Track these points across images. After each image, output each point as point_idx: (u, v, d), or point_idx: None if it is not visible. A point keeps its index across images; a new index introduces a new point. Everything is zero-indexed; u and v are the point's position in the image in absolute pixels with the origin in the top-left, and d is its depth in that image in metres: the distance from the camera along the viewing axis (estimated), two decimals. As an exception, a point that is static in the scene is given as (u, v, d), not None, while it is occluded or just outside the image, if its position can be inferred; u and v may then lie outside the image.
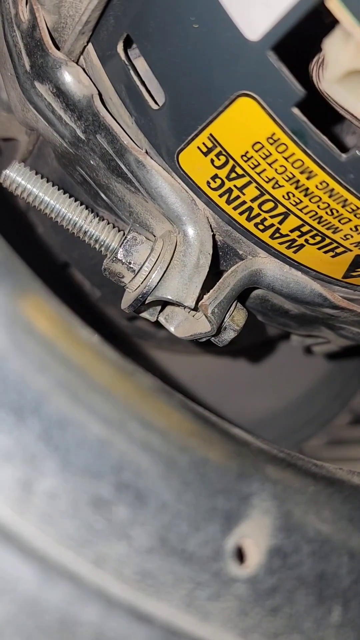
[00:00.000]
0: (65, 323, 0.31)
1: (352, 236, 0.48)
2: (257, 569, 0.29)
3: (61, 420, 0.25)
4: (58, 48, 0.50)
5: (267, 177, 0.45)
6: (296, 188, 0.45)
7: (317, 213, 0.46)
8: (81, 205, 0.53)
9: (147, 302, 0.51)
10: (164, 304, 0.56)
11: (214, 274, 0.55)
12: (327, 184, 0.44)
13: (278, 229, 0.49)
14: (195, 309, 0.52)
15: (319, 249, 0.50)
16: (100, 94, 0.50)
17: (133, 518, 0.26)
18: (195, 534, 0.27)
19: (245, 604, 0.28)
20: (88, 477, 0.25)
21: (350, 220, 0.46)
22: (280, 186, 0.45)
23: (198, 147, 0.46)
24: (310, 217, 0.47)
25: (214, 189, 0.49)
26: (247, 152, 0.44)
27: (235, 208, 0.49)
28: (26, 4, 0.52)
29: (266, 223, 0.49)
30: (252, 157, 0.44)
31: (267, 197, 0.47)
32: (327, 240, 0.49)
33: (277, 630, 0.29)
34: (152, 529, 0.26)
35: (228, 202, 0.49)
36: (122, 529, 0.25)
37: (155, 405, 0.31)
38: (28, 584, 0.23)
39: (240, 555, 0.29)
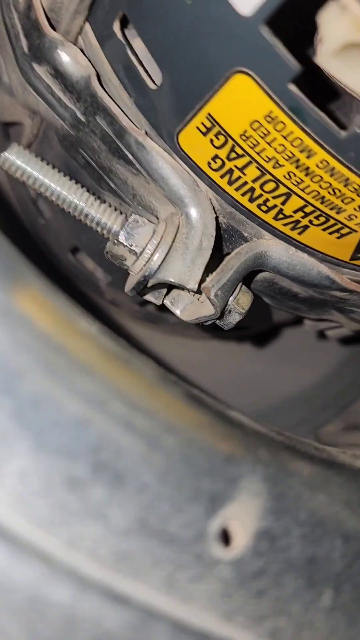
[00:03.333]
0: (53, 306, 0.31)
1: (356, 216, 0.47)
2: (243, 551, 0.29)
3: (36, 399, 0.25)
4: (54, 29, 0.49)
5: (267, 156, 0.44)
6: (297, 167, 0.44)
7: (319, 193, 0.45)
8: (82, 188, 0.53)
9: (149, 285, 0.50)
10: (170, 287, 0.55)
11: (219, 257, 0.54)
12: (328, 163, 0.43)
13: (281, 209, 0.48)
14: (199, 292, 0.51)
15: (324, 230, 0.49)
16: (98, 75, 0.49)
17: (110, 498, 0.25)
18: (177, 515, 0.27)
19: (229, 587, 0.28)
20: (63, 457, 0.25)
21: (353, 200, 0.45)
22: (280, 166, 0.44)
23: (197, 127, 0.46)
24: (312, 197, 0.46)
25: (215, 170, 0.48)
26: (245, 131, 0.43)
27: (237, 189, 0.48)
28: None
29: (269, 204, 0.48)
30: (251, 136, 0.43)
31: (268, 177, 0.46)
32: (332, 221, 0.48)
33: (262, 613, 0.28)
34: (131, 510, 0.26)
35: (230, 183, 0.48)
36: (98, 510, 0.25)
37: (143, 386, 0.31)
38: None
39: (225, 538, 0.29)
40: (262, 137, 0.43)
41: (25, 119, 0.64)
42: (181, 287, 0.50)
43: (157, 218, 0.53)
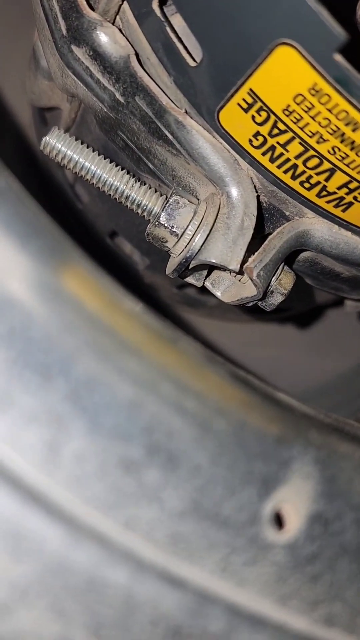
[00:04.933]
0: (100, 287, 0.31)
1: None
2: (297, 534, 0.28)
3: (89, 380, 0.25)
4: (93, 9, 0.49)
5: (310, 131, 0.43)
6: (341, 142, 0.43)
7: (364, 168, 0.44)
8: (122, 170, 0.52)
9: (190, 266, 0.50)
10: (210, 268, 0.55)
11: (260, 237, 0.53)
12: (375, 136, 0.41)
13: (325, 186, 0.47)
14: (241, 272, 0.51)
15: (369, 206, 0.48)
16: (137, 55, 0.49)
17: (165, 481, 0.25)
18: (230, 498, 0.26)
19: (283, 571, 0.27)
20: (117, 439, 0.24)
21: None
22: (324, 140, 0.43)
23: (238, 104, 0.45)
24: (357, 173, 0.45)
25: (257, 147, 0.47)
26: (288, 105, 0.42)
27: (279, 166, 0.47)
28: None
29: (312, 181, 0.47)
30: (294, 110, 0.42)
31: (311, 152, 0.45)
32: (377, 197, 0.47)
33: (317, 597, 0.28)
34: (185, 492, 0.25)
35: (272, 160, 0.47)
36: (153, 492, 0.25)
37: (193, 368, 0.31)
38: (55, 545, 0.22)
39: (278, 521, 0.28)
40: (305, 112, 0.42)
41: (63, 103, 0.64)
42: (223, 268, 0.49)
43: (197, 199, 0.53)
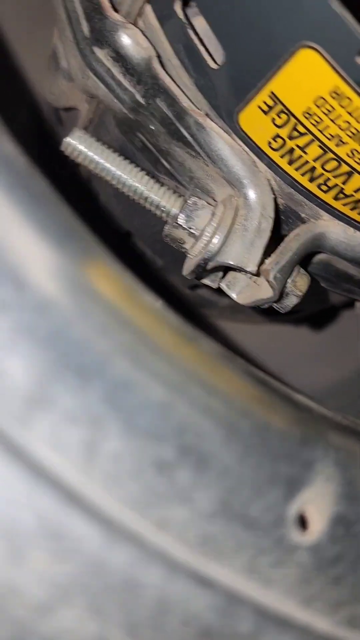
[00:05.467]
0: (128, 287, 0.31)
1: None
2: (320, 536, 0.29)
3: (124, 382, 0.25)
4: (116, 11, 0.49)
5: (330, 134, 0.43)
6: (361, 145, 0.43)
7: (383, 172, 0.45)
8: (142, 171, 0.53)
9: (208, 267, 0.50)
10: (226, 269, 0.55)
11: (276, 239, 0.53)
12: (394, 141, 0.42)
13: (342, 189, 0.48)
14: (257, 274, 0.51)
15: (385, 210, 0.49)
16: (159, 56, 0.49)
17: (196, 481, 0.25)
18: (257, 499, 0.27)
19: (307, 572, 0.28)
20: (151, 440, 0.25)
21: None
22: (344, 143, 0.44)
23: (258, 106, 0.45)
24: (376, 176, 0.45)
25: (276, 150, 0.47)
26: (309, 108, 0.43)
27: (297, 169, 0.48)
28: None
29: (329, 183, 0.48)
30: (314, 113, 0.43)
31: (330, 155, 0.45)
32: (394, 201, 0.47)
33: (340, 599, 0.28)
34: (215, 493, 0.26)
35: (290, 162, 0.48)
36: (185, 492, 0.25)
37: (217, 370, 0.31)
38: (93, 545, 0.23)
39: (302, 523, 0.29)
40: (326, 114, 0.42)
41: (82, 103, 0.64)
42: (240, 270, 0.50)
43: (214, 200, 0.53)
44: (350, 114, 0.41)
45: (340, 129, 0.43)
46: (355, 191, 0.48)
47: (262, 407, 0.31)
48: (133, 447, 0.24)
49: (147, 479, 0.24)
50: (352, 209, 0.50)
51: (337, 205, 0.50)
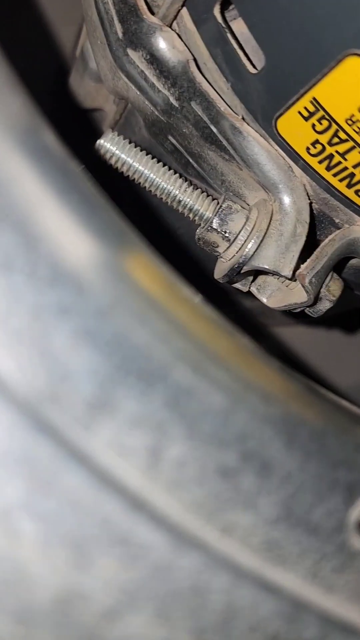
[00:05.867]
0: (180, 292, 0.31)
1: None
2: (379, 543, 0.29)
3: (186, 388, 0.25)
4: (152, 13, 0.49)
5: (372, 141, 0.43)
6: None
7: None
8: (175, 174, 0.52)
9: (242, 271, 0.50)
10: (257, 274, 0.55)
11: (309, 244, 0.53)
12: None
13: (380, 195, 0.48)
14: (292, 279, 0.51)
15: None
16: (195, 60, 0.49)
17: (259, 487, 0.25)
18: (319, 504, 0.27)
19: (368, 579, 0.28)
20: (214, 445, 0.25)
21: None
22: (385, 150, 0.43)
23: (299, 112, 0.45)
24: None
25: (314, 155, 0.47)
26: (352, 115, 0.42)
27: (335, 175, 0.48)
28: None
29: (367, 190, 0.47)
30: (357, 120, 0.42)
31: (371, 162, 0.45)
32: None
33: None
34: (278, 499, 0.26)
35: (328, 168, 0.47)
36: (249, 498, 0.25)
37: (271, 376, 0.31)
38: (160, 551, 0.23)
39: (361, 528, 0.29)
40: (369, 122, 0.42)
41: (108, 105, 0.64)
42: (275, 275, 0.50)
43: (247, 204, 0.53)
44: (394, 121, 0.41)
45: (382, 135, 0.43)
46: (392, 197, 0.47)
47: (316, 414, 0.31)
48: (197, 453, 0.24)
49: (211, 485, 0.24)
50: (387, 215, 0.50)
51: (373, 210, 0.50)
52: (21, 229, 0.25)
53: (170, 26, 0.50)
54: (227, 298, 0.78)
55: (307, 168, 0.49)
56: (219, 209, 0.51)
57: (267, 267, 0.49)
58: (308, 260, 0.50)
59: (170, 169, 0.53)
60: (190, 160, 0.55)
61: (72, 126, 0.72)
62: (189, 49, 0.49)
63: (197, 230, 0.53)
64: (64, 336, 0.24)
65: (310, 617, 0.25)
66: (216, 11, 0.46)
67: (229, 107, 0.49)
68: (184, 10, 0.49)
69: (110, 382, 0.24)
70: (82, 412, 0.24)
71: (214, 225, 0.51)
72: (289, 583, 0.25)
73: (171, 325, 0.27)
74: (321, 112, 0.44)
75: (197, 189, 0.53)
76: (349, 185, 0.48)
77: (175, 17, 0.50)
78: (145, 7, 0.48)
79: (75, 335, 0.24)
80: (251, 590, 0.24)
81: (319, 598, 0.25)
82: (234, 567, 0.24)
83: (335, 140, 0.45)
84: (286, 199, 0.49)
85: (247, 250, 0.49)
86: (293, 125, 0.46)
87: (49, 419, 0.22)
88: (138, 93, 0.53)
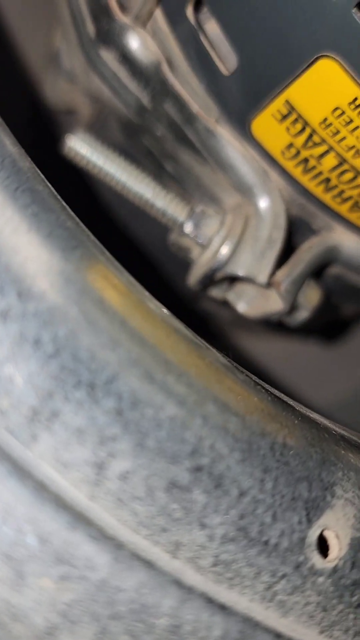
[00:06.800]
0: (135, 296, 0.29)
1: None
2: (341, 562, 0.27)
3: (134, 399, 0.24)
4: (124, 13, 0.48)
5: (347, 145, 0.42)
6: (378, 156, 0.42)
7: None
8: (148, 177, 0.51)
9: (216, 278, 0.49)
10: (233, 281, 0.54)
11: (286, 250, 0.52)
12: None
13: (357, 201, 0.46)
14: (268, 286, 0.50)
15: None
16: (168, 61, 0.48)
17: (212, 505, 0.24)
18: (276, 523, 0.25)
19: (327, 600, 0.26)
20: (164, 460, 0.23)
21: None
22: (361, 154, 0.42)
23: (272, 114, 0.44)
24: (392, 188, 0.44)
25: (289, 159, 0.46)
26: (326, 118, 0.41)
27: (311, 179, 0.46)
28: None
29: (345, 195, 0.46)
30: (331, 124, 0.41)
31: (346, 166, 0.44)
32: None
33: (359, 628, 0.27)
34: (232, 518, 0.24)
35: (304, 172, 0.46)
36: (200, 517, 0.23)
37: (231, 386, 0.29)
38: (103, 571, 0.21)
39: (322, 548, 0.27)
40: (343, 125, 0.41)
41: (82, 106, 0.63)
42: (250, 281, 0.48)
43: (222, 208, 0.52)
44: (369, 124, 0.40)
45: (358, 140, 0.41)
46: (371, 203, 0.46)
47: (279, 427, 0.29)
48: (145, 468, 0.23)
49: (160, 502, 0.23)
50: (366, 221, 0.49)
51: (352, 217, 0.48)
52: None
53: (143, 27, 0.49)
54: (197, 310, 0.76)
55: (283, 172, 0.48)
56: (192, 213, 0.50)
57: (241, 273, 0.48)
58: (284, 267, 0.49)
59: (144, 171, 0.52)
60: (165, 163, 0.54)
61: (45, 129, 0.71)
62: (162, 50, 0.48)
63: (171, 235, 0.52)
64: (3, 343, 0.23)
65: (264, 637, 0.23)
66: (189, 12, 0.45)
67: (203, 108, 0.48)
68: (158, 11, 0.48)
69: (51, 392, 0.22)
70: (22, 423, 0.22)
71: (187, 229, 0.50)
72: (243, 604, 0.23)
73: (122, 330, 0.25)
74: (295, 115, 0.43)
75: (170, 192, 0.52)
76: (326, 190, 0.47)
77: (148, 18, 0.49)
78: (117, 7, 0.47)
79: (16, 342, 0.23)
80: (201, 612, 0.22)
81: (274, 620, 0.24)
82: (183, 587, 0.22)
83: (310, 143, 0.44)
84: (262, 203, 0.48)
85: (221, 255, 0.48)
86: (267, 128, 0.45)
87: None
88: (111, 94, 0.52)
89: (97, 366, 0.24)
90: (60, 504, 0.21)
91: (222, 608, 0.23)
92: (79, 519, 0.22)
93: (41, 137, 0.73)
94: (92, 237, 0.32)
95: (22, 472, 0.22)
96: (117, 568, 0.21)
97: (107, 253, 0.31)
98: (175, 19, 0.47)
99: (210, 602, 0.23)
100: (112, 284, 0.28)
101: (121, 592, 0.21)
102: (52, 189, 0.30)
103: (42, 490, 0.22)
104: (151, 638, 0.22)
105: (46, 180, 0.30)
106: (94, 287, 0.26)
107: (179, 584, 0.22)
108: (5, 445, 0.21)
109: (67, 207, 0.30)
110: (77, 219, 0.31)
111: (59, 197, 0.30)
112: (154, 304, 0.31)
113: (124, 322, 0.26)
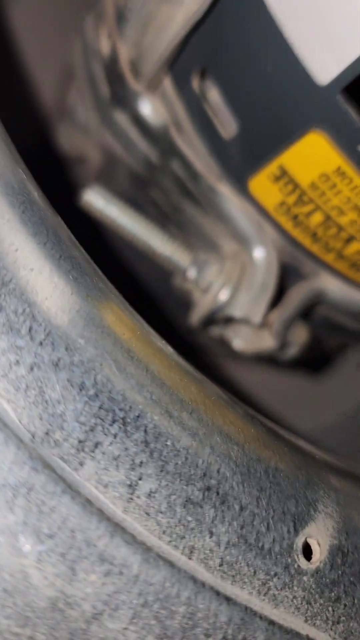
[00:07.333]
0: (155, 344, 0.36)
1: None
2: (322, 564, 0.33)
3: (157, 432, 0.30)
4: (137, 78, 0.54)
5: (332, 205, 0.48)
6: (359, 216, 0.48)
7: (378, 238, 0.50)
8: (156, 227, 0.57)
9: (216, 318, 0.55)
10: (229, 319, 0.60)
11: (278, 293, 0.58)
12: (389, 213, 0.47)
13: (341, 252, 0.53)
14: (261, 326, 0.56)
15: (379, 270, 0.54)
16: (175, 123, 0.54)
17: (218, 517, 0.30)
18: (269, 532, 0.31)
19: (310, 594, 0.32)
20: (181, 481, 0.29)
21: None
22: (344, 214, 0.49)
23: (267, 176, 0.50)
24: (371, 242, 0.50)
25: (282, 214, 0.52)
26: (314, 182, 0.48)
27: (301, 232, 0.53)
28: (107, 37, 0.56)
29: (329, 246, 0.53)
30: (318, 187, 0.48)
31: (331, 223, 0.50)
32: (388, 263, 0.52)
33: (337, 618, 0.33)
34: (234, 527, 0.30)
35: (294, 226, 0.53)
36: (210, 526, 0.29)
37: (233, 420, 0.36)
38: (135, 568, 0.27)
39: (307, 552, 0.33)
40: (329, 189, 0.47)
41: (93, 156, 0.69)
42: (246, 322, 0.55)
43: (221, 255, 0.58)
44: (351, 190, 0.46)
45: (341, 202, 0.48)
46: (354, 254, 0.53)
47: (271, 453, 0.35)
48: (166, 488, 0.29)
49: (178, 515, 0.29)
50: (350, 268, 0.55)
51: (337, 264, 0.55)
52: (21, 295, 0.29)
53: (154, 91, 0.55)
54: (199, 348, 0.82)
55: (276, 225, 0.54)
56: (195, 260, 0.56)
57: (238, 315, 0.54)
58: (276, 308, 0.55)
59: (150, 220, 0.58)
60: (169, 213, 0.60)
61: (57, 174, 0.77)
62: (169, 113, 0.54)
63: (175, 280, 0.58)
64: (56, 388, 0.29)
65: (261, 624, 0.29)
66: (194, 81, 0.52)
67: (206, 167, 0.54)
68: (166, 78, 0.54)
69: (92, 428, 0.28)
70: (72, 453, 0.28)
71: (190, 275, 0.56)
72: (242, 597, 0.29)
73: (146, 375, 0.31)
74: (287, 178, 0.49)
75: (175, 240, 0.58)
76: (313, 242, 0.53)
77: (159, 84, 0.55)
78: (130, 75, 0.53)
79: (66, 387, 0.29)
80: (211, 602, 0.28)
81: (268, 610, 0.30)
82: (196, 582, 0.28)
83: (300, 202, 0.50)
84: (257, 252, 0.55)
85: (220, 299, 0.54)
86: (263, 187, 0.51)
87: (46, 457, 0.27)
88: (122, 149, 0.58)
89: (128, 405, 0.30)
90: (102, 516, 0.27)
91: (227, 599, 0.29)
92: (117, 528, 0.27)
93: (51, 183, 0.78)
94: (113, 288, 0.38)
95: (73, 492, 0.27)
96: (146, 567, 0.27)
97: (128, 305, 0.37)
98: (182, 85, 0.53)
99: (218, 594, 0.29)
100: (137, 336, 0.34)
101: (150, 586, 0.27)
102: (85, 253, 0.36)
103: (88, 505, 0.28)
104: (172, 622, 0.27)
105: (80, 247, 0.36)
106: (123, 339, 0.32)
107: (194, 579, 0.28)
108: (59, 469, 0.27)
109: (98, 269, 0.36)
110: (104, 277, 0.37)
111: (90, 260, 0.36)
112: (162, 344, 0.37)
113: (147, 368, 0.32)
